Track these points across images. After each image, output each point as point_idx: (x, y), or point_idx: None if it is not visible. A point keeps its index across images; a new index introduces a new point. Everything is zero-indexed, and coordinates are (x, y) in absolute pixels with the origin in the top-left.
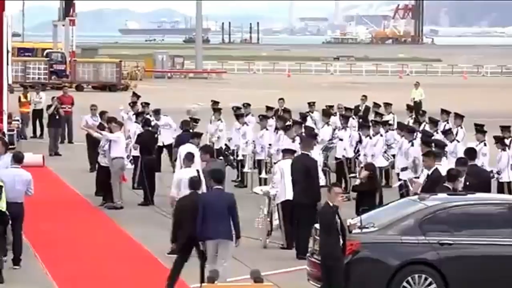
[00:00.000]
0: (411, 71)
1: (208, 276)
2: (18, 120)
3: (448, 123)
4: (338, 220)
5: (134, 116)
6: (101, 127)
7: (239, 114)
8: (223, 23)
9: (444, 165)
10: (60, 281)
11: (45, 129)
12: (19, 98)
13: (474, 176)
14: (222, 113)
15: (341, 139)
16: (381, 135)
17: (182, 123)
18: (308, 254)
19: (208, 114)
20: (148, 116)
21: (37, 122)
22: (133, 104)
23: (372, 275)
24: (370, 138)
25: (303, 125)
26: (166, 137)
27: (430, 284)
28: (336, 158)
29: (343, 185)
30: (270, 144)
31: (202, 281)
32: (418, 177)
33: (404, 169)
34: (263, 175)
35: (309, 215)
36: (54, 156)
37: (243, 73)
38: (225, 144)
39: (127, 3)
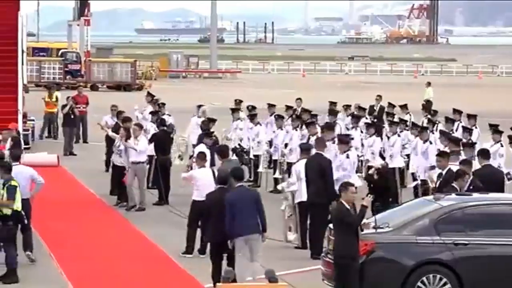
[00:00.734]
0: (426, 71)
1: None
2: (33, 120)
3: (461, 122)
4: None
5: (150, 115)
6: (117, 126)
7: (253, 114)
8: (238, 23)
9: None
10: (74, 280)
11: (60, 129)
12: (44, 98)
13: (487, 177)
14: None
15: (352, 138)
16: (399, 135)
17: (202, 123)
18: (322, 254)
19: (223, 114)
20: (163, 116)
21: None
22: (154, 113)
23: (387, 275)
24: (388, 138)
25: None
26: None
27: (444, 284)
28: None
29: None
30: (286, 144)
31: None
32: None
33: (432, 167)
34: (277, 175)
35: (324, 215)
36: (69, 155)
37: (257, 73)
38: (239, 144)
39: (141, 3)
